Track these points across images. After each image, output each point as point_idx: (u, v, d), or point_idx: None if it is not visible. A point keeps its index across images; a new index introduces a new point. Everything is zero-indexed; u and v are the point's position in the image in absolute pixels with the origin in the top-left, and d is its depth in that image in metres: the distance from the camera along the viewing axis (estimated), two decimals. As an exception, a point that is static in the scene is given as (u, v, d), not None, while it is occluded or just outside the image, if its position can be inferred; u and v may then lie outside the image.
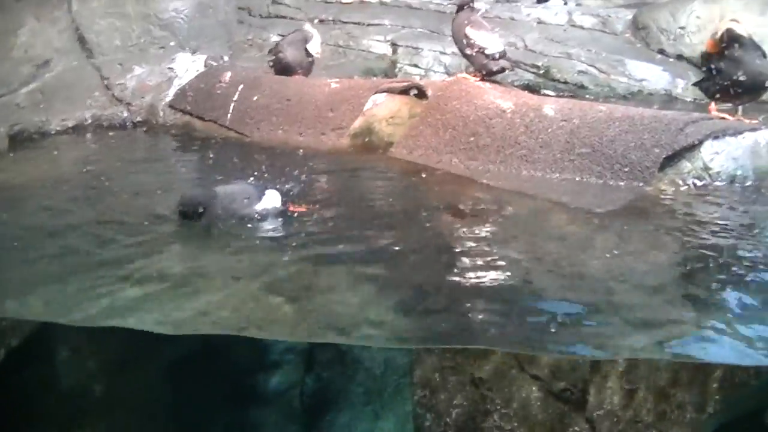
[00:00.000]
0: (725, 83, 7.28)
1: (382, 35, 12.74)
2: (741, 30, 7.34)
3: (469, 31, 8.03)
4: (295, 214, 6.07)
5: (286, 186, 6.21)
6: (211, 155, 8.34)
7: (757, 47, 7.30)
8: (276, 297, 4.86)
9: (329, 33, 12.93)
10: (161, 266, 5.28)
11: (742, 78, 7.16)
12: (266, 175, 6.43)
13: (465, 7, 8.23)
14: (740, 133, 6.88)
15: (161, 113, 9.88)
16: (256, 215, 5.95)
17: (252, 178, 6.31)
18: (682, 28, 12.07)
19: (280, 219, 6.00)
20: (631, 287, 4.89)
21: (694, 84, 8.13)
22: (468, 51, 8.06)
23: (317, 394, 8.04)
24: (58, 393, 6.68)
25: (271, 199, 6.03)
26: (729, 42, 7.31)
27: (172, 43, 10.97)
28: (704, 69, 7.75)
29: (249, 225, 5.90)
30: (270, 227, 5.91)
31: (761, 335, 4.28)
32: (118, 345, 6.73)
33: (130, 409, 6.98)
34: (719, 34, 7.39)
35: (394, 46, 12.51)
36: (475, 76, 8.05)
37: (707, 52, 7.76)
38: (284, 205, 6.06)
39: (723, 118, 7.24)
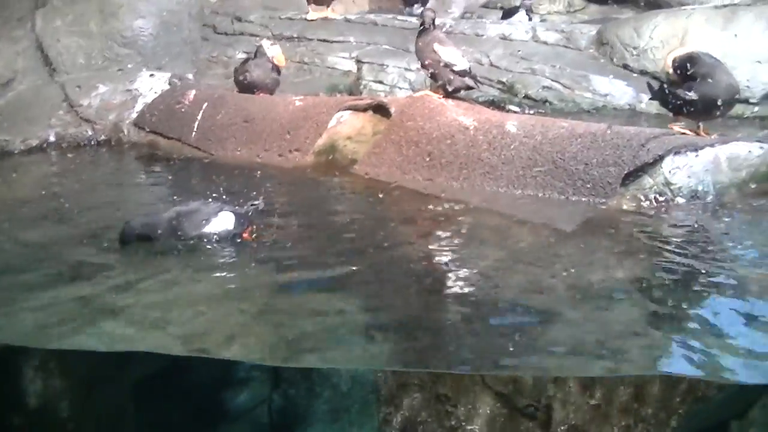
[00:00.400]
0: (678, 102, 7.33)
1: (347, 52, 12.79)
2: (688, 51, 7.40)
3: (437, 47, 8.06)
4: (254, 236, 6.03)
5: (246, 206, 6.16)
6: (173, 174, 8.33)
7: (711, 64, 7.33)
8: (241, 317, 4.85)
9: (294, 50, 12.96)
10: (119, 287, 5.25)
11: (694, 98, 7.21)
12: (225, 195, 6.40)
13: (430, 25, 8.25)
14: (700, 148, 6.91)
15: (126, 132, 9.89)
16: (212, 237, 5.89)
17: (210, 199, 6.28)
18: (646, 43, 12.15)
19: (236, 240, 5.94)
20: (593, 303, 4.89)
21: (651, 99, 8.17)
22: (434, 69, 8.08)
23: (284, 411, 8.04)
24: (23, 413, 6.63)
25: (225, 221, 5.95)
26: (680, 67, 7.34)
27: (136, 62, 10.97)
28: (654, 89, 7.81)
29: (206, 247, 5.85)
30: (226, 249, 5.85)
31: (722, 349, 4.30)
32: (83, 365, 6.69)
33: (97, 429, 6.94)
34: (669, 67, 7.43)
35: (359, 62, 12.56)
36: (438, 93, 8.07)
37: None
38: (240, 227, 5.98)
39: (684, 133, 7.28)
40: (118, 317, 4.84)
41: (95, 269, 5.57)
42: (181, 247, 5.82)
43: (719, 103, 7.21)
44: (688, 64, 7.29)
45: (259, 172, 8.00)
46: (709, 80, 7.21)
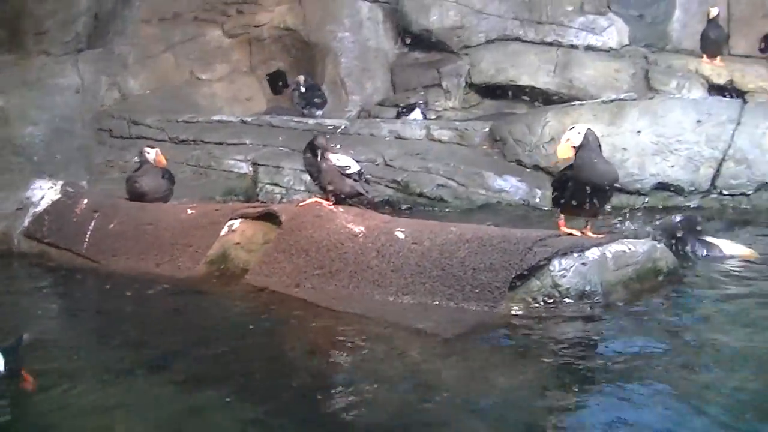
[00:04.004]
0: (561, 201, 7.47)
1: (243, 154, 12.84)
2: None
3: (329, 152, 8.12)
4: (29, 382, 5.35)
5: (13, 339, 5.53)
6: (52, 289, 8.15)
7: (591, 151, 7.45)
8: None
9: (190, 153, 12.98)
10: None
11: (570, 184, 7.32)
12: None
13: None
14: (587, 249, 7.01)
15: (16, 242, 9.67)
16: None
17: None
18: (537, 139, 12.42)
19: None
20: (481, 416, 4.87)
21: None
22: (327, 174, 8.11)
23: None
24: None
25: None
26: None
27: (27, 169, 10.81)
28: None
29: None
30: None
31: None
32: None
33: None
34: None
35: (255, 165, 12.61)
36: (328, 200, 8.11)
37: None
38: (11, 363, 5.20)
39: (571, 233, 7.38)
40: None
41: None
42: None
43: (595, 186, 7.31)
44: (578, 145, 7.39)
45: (144, 285, 7.86)
46: (587, 167, 7.31)
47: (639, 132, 11.95)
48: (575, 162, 7.39)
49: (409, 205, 11.60)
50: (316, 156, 8.20)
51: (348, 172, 8.16)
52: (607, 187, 7.40)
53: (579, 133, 7.44)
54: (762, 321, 6.48)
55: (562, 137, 7.62)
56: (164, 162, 9.79)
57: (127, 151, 13.25)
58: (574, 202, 7.40)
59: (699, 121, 12.07)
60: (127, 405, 5.18)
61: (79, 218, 9.37)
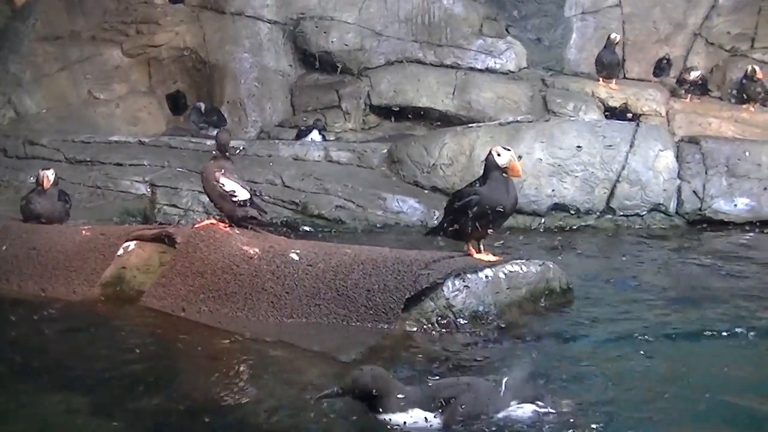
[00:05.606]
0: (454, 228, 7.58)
1: (140, 175, 12.70)
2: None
3: (219, 176, 8.09)
4: None
5: None
6: None
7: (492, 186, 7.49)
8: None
9: (87, 174, 12.78)
10: None
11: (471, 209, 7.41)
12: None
13: (222, 151, 8.32)
14: (480, 270, 7.13)
15: None
16: None
17: None
18: (435, 160, 12.54)
19: None
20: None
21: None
22: (217, 200, 8.12)
23: None
24: None
25: None
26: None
27: None
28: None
29: None
30: None
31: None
32: None
33: None
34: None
35: (153, 186, 12.48)
36: (223, 222, 8.09)
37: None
38: None
39: (484, 258, 7.44)
40: None
41: None
42: None
43: (493, 211, 7.38)
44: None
45: (35, 308, 7.65)
46: (497, 192, 7.38)
47: (520, 158, 12.09)
48: (486, 186, 7.44)
49: (308, 227, 11.60)
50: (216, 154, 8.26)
51: (235, 199, 8.10)
52: (510, 211, 7.54)
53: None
54: (651, 342, 6.64)
55: (512, 159, 7.47)
56: (47, 185, 9.56)
57: (22, 172, 12.98)
58: (473, 226, 7.48)
59: (579, 147, 12.32)
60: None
61: (-32, 241, 9.17)
